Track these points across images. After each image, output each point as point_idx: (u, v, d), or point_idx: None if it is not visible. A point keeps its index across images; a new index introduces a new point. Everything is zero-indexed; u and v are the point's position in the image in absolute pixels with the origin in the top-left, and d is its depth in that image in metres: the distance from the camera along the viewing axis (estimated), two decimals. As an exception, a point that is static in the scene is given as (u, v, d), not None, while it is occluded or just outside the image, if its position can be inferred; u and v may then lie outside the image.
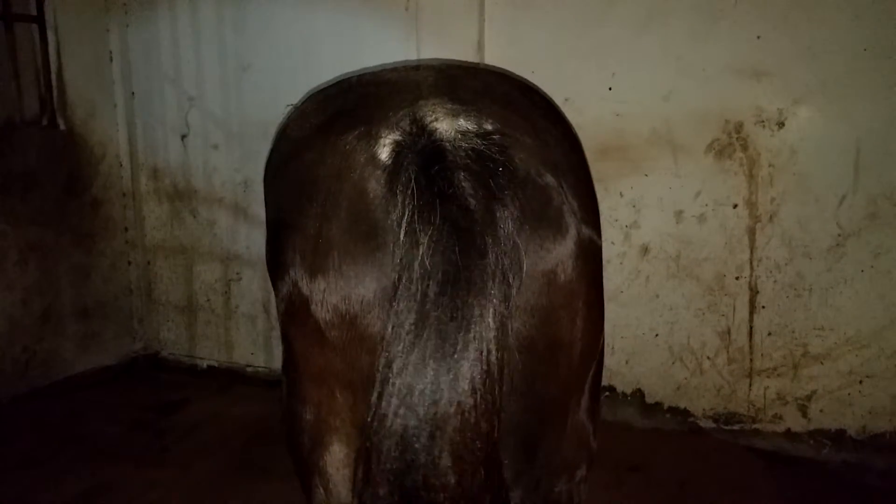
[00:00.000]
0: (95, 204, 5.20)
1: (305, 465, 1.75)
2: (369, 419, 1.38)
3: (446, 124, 1.51)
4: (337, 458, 1.67)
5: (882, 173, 3.65)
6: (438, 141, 1.48)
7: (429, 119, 1.53)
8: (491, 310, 1.36)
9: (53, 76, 4.90)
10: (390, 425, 1.35)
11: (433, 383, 1.33)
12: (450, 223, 1.37)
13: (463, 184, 1.42)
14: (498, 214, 1.43)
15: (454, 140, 1.48)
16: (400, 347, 1.35)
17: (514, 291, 1.44)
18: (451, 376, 1.33)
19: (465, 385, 1.33)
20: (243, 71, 4.89)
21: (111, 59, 5.25)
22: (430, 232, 1.37)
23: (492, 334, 1.35)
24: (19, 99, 4.74)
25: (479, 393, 1.34)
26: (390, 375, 1.36)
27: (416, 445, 1.34)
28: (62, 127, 4.97)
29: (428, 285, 1.35)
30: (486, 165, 1.47)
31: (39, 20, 4.82)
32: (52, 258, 4.88)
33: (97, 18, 5.15)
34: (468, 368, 1.33)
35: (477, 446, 1.36)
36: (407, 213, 1.40)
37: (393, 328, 1.36)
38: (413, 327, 1.34)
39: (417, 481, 1.35)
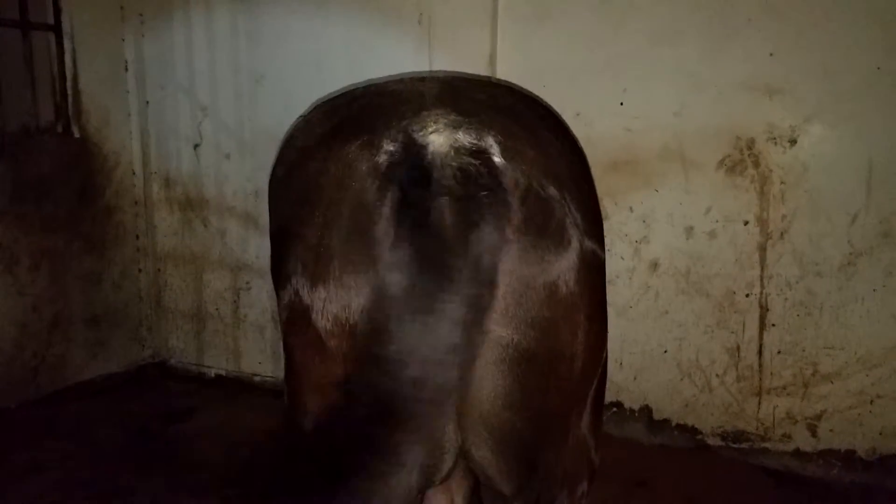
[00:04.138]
0: (108, 211, 5.22)
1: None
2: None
3: (443, 138, 1.52)
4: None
5: (895, 191, 3.62)
6: (426, 160, 1.50)
7: (427, 131, 1.53)
8: (460, 334, 1.44)
9: (69, 84, 4.94)
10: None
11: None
12: (422, 253, 1.42)
13: (443, 211, 1.45)
14: (472, 237, 1.46)
15: (444, 157, 1.49)
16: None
17: (489, 312, 1.48)
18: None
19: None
20: (256, 82, 4.92)
21: (126, 68, 5.29)
22: (405, 258, 1.41)
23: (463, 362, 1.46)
24: (34, 106, 4.77)
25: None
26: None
27: None
28: (76, 134, 5.00)
29: (400, 311, 1.42)
30: (469, 188, 1.48)
31: (56, 28, 4.86)
32: (63, 265, 4.90)
33: (113, 27, 5.19)
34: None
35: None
36: (391, 231, 1.43)
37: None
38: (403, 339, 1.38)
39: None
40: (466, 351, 1.47)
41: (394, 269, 1.42)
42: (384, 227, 1.46)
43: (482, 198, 1.47)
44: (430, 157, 1.48)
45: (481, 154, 1.50)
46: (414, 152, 1.50)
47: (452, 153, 1.49)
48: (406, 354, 1.45)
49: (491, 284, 1.47)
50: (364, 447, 1.63)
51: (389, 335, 1.46)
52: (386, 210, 1.46)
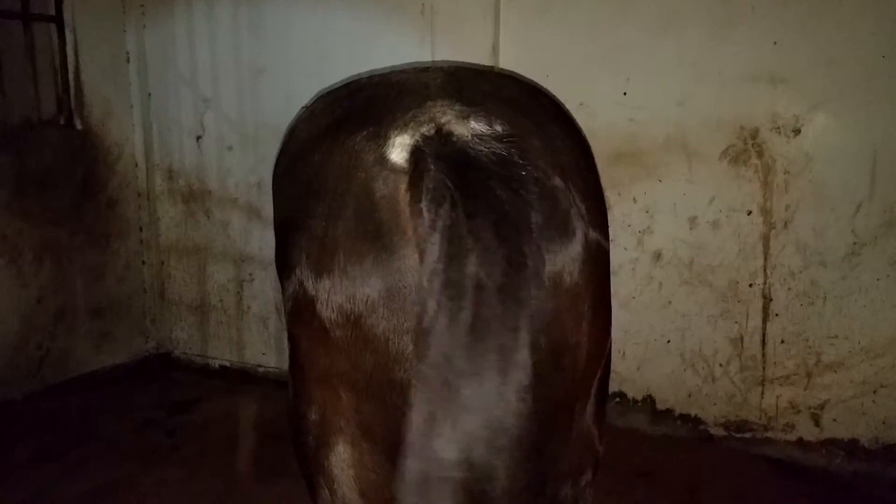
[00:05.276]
0: (111, 204, 5.23)
1: (310, 466, 1.75)
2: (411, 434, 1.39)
3: (461, 127, 1.51)
4: (342, 459, 1.67)
5: (898, 181, 3.62)
6: (462, 146, 1.48)
7: (443, 121, 1.53)
8: (529, 319, 1.39)
9: (71, 76, 4.94)
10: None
11: (483, 395, 1.35)
12: (494, 233, 1.39)
13: (498, 192, 1.43)
14: (532, 221, 1.45)
15: (474, 144, 1.49)
16: (440, 358, 1.35)
17: (541, 296, 1.47)
18: (501, 386, 1.35)
19: (512, 395, 1.35)
20: (258, 73, 4.91)
21: (128, 60, 5.29)
22: (476, 241, 1.37)
23: (530, 342, 1.38)
24: (37, 98, 4.77)
25: (525, 401, 1.36)
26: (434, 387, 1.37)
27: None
28: (79, 127, 5.00)
29: (478, 296, 1.35)
30: (512, 171, 1.47)
31: (58, 20, 4.86)
32: (67, 257, 4.91)
33: (115, 19, 5.19)
34: (517, 378, 1.35)
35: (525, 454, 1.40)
36: (441, 220, 1.39)
37: (424, 335, 1.37)
38: (461, 337, 1.35)
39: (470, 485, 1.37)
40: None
41: (441, 255, 1.38)
42: (418, 221, 1.44)
43: (525, 179, 1.47)
44: (463, 144, 1.49)
45: (503, 139, 1.51)
46: (444, 142, 1.49)
47: (478, 140, 1.49)
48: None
49: (542, 270, 1.48)
50: (369, 439, 1.63)
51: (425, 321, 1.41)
52: (422, 205, 1.43)
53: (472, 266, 1.36)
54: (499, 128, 1.53)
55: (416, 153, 1.49)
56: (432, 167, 1.44)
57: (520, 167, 1.48)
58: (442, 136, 1.50)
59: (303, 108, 1.98)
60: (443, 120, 1.53)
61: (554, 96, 1.98)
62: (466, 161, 1.46)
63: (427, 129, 1.52)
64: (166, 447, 4.17)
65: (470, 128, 1.52)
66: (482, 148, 1.48)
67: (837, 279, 3.76)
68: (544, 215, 1.49)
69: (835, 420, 3.83)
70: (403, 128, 1.53)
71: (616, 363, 4.09)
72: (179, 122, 5.25)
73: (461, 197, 1.40)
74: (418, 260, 1.43)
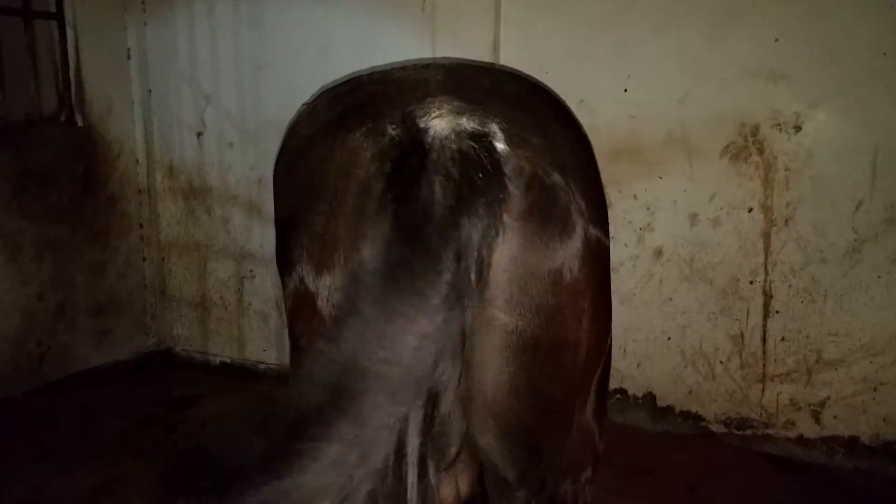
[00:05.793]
0: (111, 201, 5.23)
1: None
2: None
3: (445, 122, 1.50)
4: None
5: (899, 178, 3.62)
6: (425, 141, 1.47)
7: (430, 116, 1.52)
8: (433, 306, 1.29)
9: (72, 73, 4.94)
10: None
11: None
12: (403, 221, 1.37)
13: (435, 188, 1.39)
14: (463, 220, 1.38)
15: (445, 139, 1.47)
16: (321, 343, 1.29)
17: (471, 301, 1.38)
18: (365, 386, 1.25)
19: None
20: (259, 70, 4.91)
21: (129, 57, 5.29)
22: (383, 227, 1.37)
23: (430, 333, 1.29)
24: (38, 95, 4.77)
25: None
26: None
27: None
28: (80, 124, 5.00)
29: (362, 277, 1.33)
30: (466, 170, 1.44)
31: (58, 17, 4.85)
32: (67, 254, 4.91)
33: (116, 16, 5.18)
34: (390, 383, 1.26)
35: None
36: (378, 208, 1.40)
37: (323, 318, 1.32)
38: (336, 322, 1.29)
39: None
40: (448, 336, 1.34)
41: (374, 243, 1.37)
42: (375, 206, 1.44)
43: (477, 180, 1.43)
44: (430, 138, 1.47)
45: (483, 139, 1.49)
46: (413, 133, 1.49)
47: (453, 136, 1.47)
48: (377, 336, 1.30)
49: (481, 270, 1.39)
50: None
51: (362, 313, 1.31)
52: (379, 189, 1.44)
53: (365, 252, 1.37)
54: (492, 125, 1.52)
55: (391, 144, 1.51)
56: (393, 160, 1.46)
57: (480, 167, 1.45)
58: (415, 131, 1.50)
59: (304, 104, 1.98)
60: (433, 115, 1.52)
61: (554, 93, 1.98)
62: (417, 156, 1.45)
63: (405, 122, 1.52)
64: (167, 444, 4.17)
65: (456, 124, 1.50)
66: (452, 145, 1.46)
67: (838, 276, 3.75)
68: (534, 210, 1.48)
69: (835, 417, 3.83)
70: (396, 125, 1.54)
71: (616, 360, 4.11)
72: (180, 118, 5.25)
73: (391, 190, 1.42)
74: None
